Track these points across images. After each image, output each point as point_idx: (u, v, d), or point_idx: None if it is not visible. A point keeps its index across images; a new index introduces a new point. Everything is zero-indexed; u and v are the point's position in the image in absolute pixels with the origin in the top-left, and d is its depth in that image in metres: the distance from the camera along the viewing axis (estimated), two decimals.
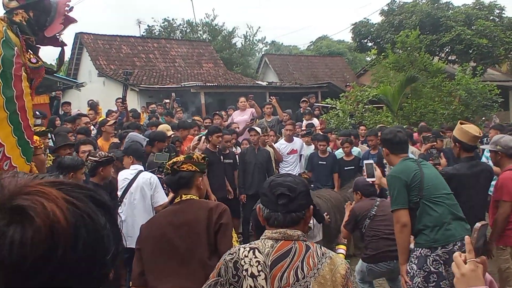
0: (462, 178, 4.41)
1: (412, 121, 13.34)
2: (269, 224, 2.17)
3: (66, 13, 3.61)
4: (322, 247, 2.18)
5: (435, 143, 5.64)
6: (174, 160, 3.16)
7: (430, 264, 3.63)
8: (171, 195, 5.42)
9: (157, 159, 5.92)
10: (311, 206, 2.24)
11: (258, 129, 8.05)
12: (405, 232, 3.66)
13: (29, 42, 3.33)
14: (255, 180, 7.54)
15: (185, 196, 3.04)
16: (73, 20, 3.68)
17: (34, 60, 3.30)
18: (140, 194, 5.23)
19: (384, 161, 5.36)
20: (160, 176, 5.69)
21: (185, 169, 3.05)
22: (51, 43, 3.65)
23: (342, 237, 5.29)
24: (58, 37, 3.63)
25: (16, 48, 3.13)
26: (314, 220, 5.41)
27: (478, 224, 1.36)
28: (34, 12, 3.41)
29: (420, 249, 3.70)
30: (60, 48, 3.86)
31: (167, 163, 3.13)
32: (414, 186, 3.68)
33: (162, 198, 5.29)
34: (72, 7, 3.65)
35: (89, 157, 4.92)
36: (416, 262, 3.69)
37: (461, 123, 4.66)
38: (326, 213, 5.83)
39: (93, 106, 10.79)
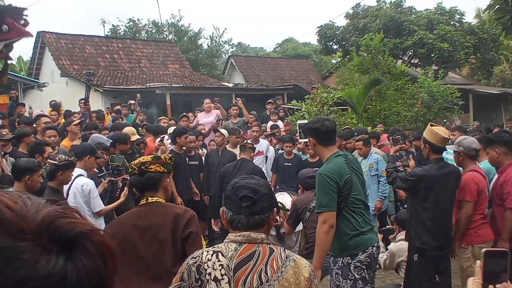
0: (431, 179, 4.46)
1: (376, 122, 13.52)
2: (233, 227, 2.14)
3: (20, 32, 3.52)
4: (286, 250, 2.16)
5: (404, 145, 5.72)
6: (142, 160, 3.02)
7: (354, 272, 3.61)
8: (119, 201, 5.39)
9: (111, 161, 5.82)
10: (275, 209, 2.23)
11: (224, 131, 8.03)
12: (331, 233, 3.52)
13: None
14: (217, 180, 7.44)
15: (151, 198, 2.95)
16: (25, 33, 3.59)
17: None
18: (74, 200, 5.06)
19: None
20: (114, 178, 5.63)
21: (153, 169, 2.95)
22: None
23: (286, 232, 5.21)
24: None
25: None
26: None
27: (484, 250, 1.38)
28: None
29: (341, 258, 3.66)
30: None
31: (133, 163, 2.99)
32: (343, 192, 3.58)
33: (98, 205, 5.15)
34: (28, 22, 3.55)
35: (48, 160, 4.75)
36: (341, 272, 3.65)
37: (431, 125, 4.72)
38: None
39: (56, 107, 10.55)
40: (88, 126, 8.07)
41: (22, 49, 32.03)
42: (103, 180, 5.76)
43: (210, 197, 7.59)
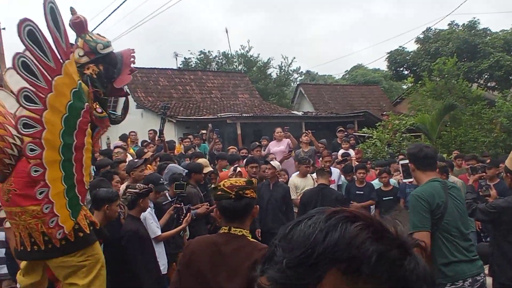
0: None
1: (451, 149, 13.04)
2: None
3: (131, 64, 3.80)
4: None
5: (484, 173, 5.47)
6: (235, 183, 2.73)
7: None
8: (180, 227, 5.56)
9: (176, 189, 5.99)
10: None
11: (275, 163, 7.88)
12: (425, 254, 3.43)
13: (97, 94, 3.50)
14: (269, 216, 7.29)
15: (235, 230, 2.66)
16: (134, 70, 3.88)
17: (99, 110, 3.46)
18: None
19: None
20: (179, 205, 5.78)
21: (248, 195, 2.68)
22: (117, 93, 3.85)
23: None
24: (123, 87, 3.81)
25: (86, 103, 3.28)
26: None
27: None
28: (104, 66, 3.60)
29: None
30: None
31: (226, 187, 2.69)
32: (435, 216, 3.52)
33: (154, 231, 5.32)
34: (135, 58, 3.84)
35: (129, 190, 4.96)
36: None
37: None
38: None
39: (124, 138, 11.09)
40: (162, 158, 8.35)
41: None
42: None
43: (261, 231, 7.30)
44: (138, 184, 5.18)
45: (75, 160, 3.26)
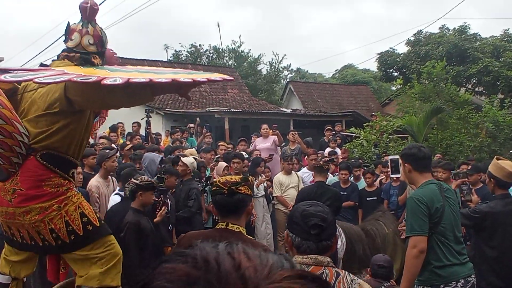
0: (498, 216, 4.26)
1: (437, 152, 13.11)
2: (300, 251, 2.22)
3: (115, 63, 3.76)
4: (350, 274, 2.23)
5: (466, 178, 5.50)
6: (230, 180, 2.80)
7: None
8: (155, 220, 5.45)
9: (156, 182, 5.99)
10: (337, 233, 2.36)
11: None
12: (421, 258, 3.45)
13: None
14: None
15: (233, 226, 2.72)
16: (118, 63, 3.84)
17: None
18: None
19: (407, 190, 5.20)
20: (156, 199, 5.69)
21: (242, 191, 2.73)
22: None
23: None
24: None
25: None
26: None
27: None
28: (102, 60, 3.57)
29: (421, 287, 3.58)
30: None
31: (220, 182, 2.77)
32: (433, 220, 3.52)
33: None
34: (119, 59, 3.81)
35: (132, 180, 4.94)
36: None
37: (497, 159, 4.54)
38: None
39: (114, 128, 10.96)
40: (148, 149, 8.34)
41: None
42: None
43: None
44: (142, 176, 5.14)
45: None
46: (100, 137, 9.11)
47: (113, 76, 2.66)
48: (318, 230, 2.19)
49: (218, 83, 24.07)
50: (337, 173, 8.86)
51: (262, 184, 8.02)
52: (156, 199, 5.74)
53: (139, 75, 2.78)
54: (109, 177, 6.20)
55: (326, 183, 8.63)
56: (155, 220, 5.54)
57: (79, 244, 3.35)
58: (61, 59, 3.45)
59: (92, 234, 3.39)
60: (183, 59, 33.48)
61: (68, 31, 3.51)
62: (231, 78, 3.36)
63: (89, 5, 3.42)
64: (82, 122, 3.38)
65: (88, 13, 3.44)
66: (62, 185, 3.31)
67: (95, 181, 5.99)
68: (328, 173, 8.91)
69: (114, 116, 17.31)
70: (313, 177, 7.25)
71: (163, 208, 5.64)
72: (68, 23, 3.52)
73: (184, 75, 2.88)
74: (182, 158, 7.03)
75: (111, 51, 3.84)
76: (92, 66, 3.39)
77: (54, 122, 3.24)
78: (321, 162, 7.67)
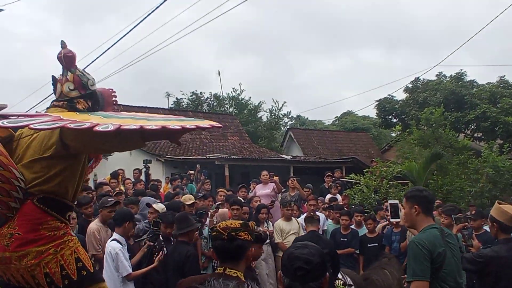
0: (502, 260, 4.20)
1: (438, 197, 13.07)
2: None
3: (114, 103, 3.83)
4: None
5: (466, 223, 5.47)
6: (230, 225, 2.81)
7: None
8: (152, 265, 5.50)
9: (153, 226, 5.98)
10: (327, 274, 2.32)
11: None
12: None
13: None
14: None
15: (230, 271, 2.71)
16: (117, 109, 3.90)
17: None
18: (106, 263, 5.32)
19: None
20: (152, 243, 5.72)
21: (242, 237, 2.75)
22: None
23: None
24: None
25: None
26: None
27: None
28: (91, 102, 3.63)
29: None
30: None
31: (220, 227, 2.79)
32: (434, 265, 3.46)
33: (125, 269, 5.29)
34: (117, 97, 3.87)
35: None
36: None
37: (499, 203, 4.52)
38: None
39: (115, 175, 10.95)
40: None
41: None
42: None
43: None
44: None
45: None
46: (102, 183, 9.10)
47: (106, 122, 2.74)
48: (303, 272, 2.22)
49: (218, 131, 24.26)
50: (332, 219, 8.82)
51: (266, 232, 7.97)
52: (152, 243, 5.71)
53: (132, 121, 2.85)
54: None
55: (326, 229, 8.65)
56: (153, 265, 5.51)
57: None
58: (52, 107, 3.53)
59: (85, 280, 3.37)
60: (184, 106, 33.84)
61: (54, 84, 3.62)
62: (220, 125, 3.43)
63: (62, 54, 3.54)
64: (77, 166, 3.41)
65: (65, 62, 3.55)
66: (59, 228, 3.31)
67: (94, 225, 6.02)
68: (328, 219, 8.91)
69: (115, 162, 17.39)
70: (305, 228, 7.20)
71: (160, 253, 5.59)
72: (53, 76, 3.63)
73: (175, 122, 2.95)
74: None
75: (109, 90, 3.90)
76: (87, 112, 3.44)
77: (50, 166, 3.26)
78: (311, 214, 7.64)
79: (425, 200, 3.69)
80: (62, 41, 3.58)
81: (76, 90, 3.56)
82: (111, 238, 5.46)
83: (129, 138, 3.02)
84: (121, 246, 5.34)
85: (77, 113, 3.30)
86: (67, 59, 3.54)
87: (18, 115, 2.86)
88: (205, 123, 3.13)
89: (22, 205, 3.25)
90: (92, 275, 3.44)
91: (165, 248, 5.77)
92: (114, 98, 3.87)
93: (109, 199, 6.34)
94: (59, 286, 3.26)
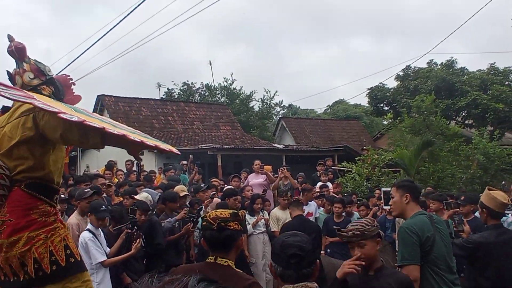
0: (491, 246, 4.26)
1: (429, 184, 13.17)
2: (284, 280, 2.34)
3: (72, 85, 3.87)
4: None
5: (457, 209, 5.52)
6: (220, 215, 2.82)
7: None
8: (129, 253, 5.56)
9: (131, 214, 6.07)
10: (317, 261, 2.41)
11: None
12: None
13: None
14: None
15: (221, 260, 2.75)
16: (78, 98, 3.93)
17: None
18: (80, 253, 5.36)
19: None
20: (130, 231, 5.75)
21: (231, 227, 2.77)
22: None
23: None
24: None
25: None
26: None
27: None
28: (53, 87, 3.67)
29: None
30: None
31: (210, 218, 2.81)
32: (424, 249, 3.55)
33: (96, 257, 5.33)
34: (73, 80, 3.91)
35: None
36: None
37: (489, 189, 4.58)
38: None
39: (110, 166, 10.93)
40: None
41: None
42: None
43: None
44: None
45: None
46: (97, 175, 9.10)
47: (73, 114, 2.78)
48: (297, 259, 2.30)
49: (210, 121, 24.28)
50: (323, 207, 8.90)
51: (262, 220, 8.01)
52: (130, 231, 5.75)
53: (97, 121, 2.90)
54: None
55: (318, 217, 8.70)
56: (130, 253, 5.57)
57: (60, 275, 3.36)
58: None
59: (73, 267, 3.42)
60: (176, 97, 33.75)
61: (12, 78, 3.63)
62: (179, 153, 3.45)
63: (13, 47, 3.55)
64: (58, 151, 3.46)
65: (17, 54, 3.57)
66: (49, 213, 3.37)
67: (74, 219, 5.99)
68: (320, 207, 8.97)
69: (107, 154, 17.36)
70: (290, 212, 7.22)
71: (137, 240, 5.65)
72: (7, 71, 3.65)
73: (138, 136, 3.00)
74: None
75: (64, 75, 3.95)
76: (62, 103, 3.47)
77: (30, 152, 3.30)
78: (296, 197, 7.70)
79: (415, 189, 3.84)
80: (8, 34, 3.61)
81: (37, 78, 3.59)
82: (86, 228, 5.52)
83: (89, 136, 3.05)
84: (91, 235, 5.39)
85: (53, 100, 3.33)
86: (19, 51, 3.55)
87: None
88: (166, 146, 3.21)
89: (10, 192, 3.30)
90: (79, 263, 3.50)
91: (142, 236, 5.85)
92: (70, 81, 3.90)
93: (86, 190, 6.31)
94: (47, 272, 3.30)
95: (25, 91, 3.12)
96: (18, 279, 3.32)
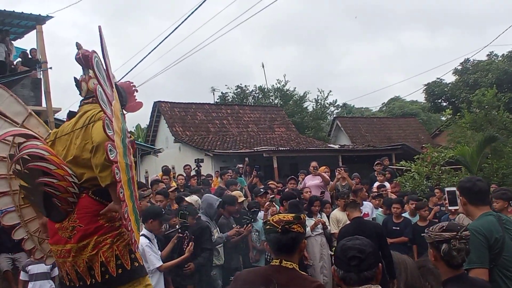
0: None
1: (493, 182, 12.68)
2: (346, 283, 2.35)
3: (134, 92, 4.02)
4: None
5: None
6: (283, 218, 2.87)
7: None
8: (183, 257, 5.70)
9: (181, 218, 6.10)
10: (380, 264, 2.38)
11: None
12: None
13: None
14: None
15: (286, 262, 2.78)
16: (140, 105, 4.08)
17: (128, 135, 3.61)
18: None
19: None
20: (181, 235, 5.89)
21: (295, 230, 2.80)
22: None
23: None
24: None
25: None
26: None
27: None
28: (117, 93, 3.80)
29: None
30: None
31: (274, 221, 2.86)
32: (493, 251, 3.37)
33: (153, 263, 5.38)
34: (136, 87, 4.06)
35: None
36: None
37: None
38: None
39: (167, 171, 11.18)
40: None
41: (140, 117, 34.58)
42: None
43: None
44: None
45: (132, 179, 3.42)
46: (156, 181, 9.35)
47: (118, 160, 3.08)
48: (357, 262, 2.31)
49: (265, 123, 24.38)
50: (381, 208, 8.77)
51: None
52: (182, 235, 5.85)
53: (126, 182, 3.20)
54: None
55: (374, 218, 8.57)
56: (184, 256, 5.70)
57: (125, 279, 3.49)
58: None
59: (137, 271, 3.56)
60: (230, 100, 34.11)
61: (78, 84, 3.82)
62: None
63: (80, 55, 3.70)
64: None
65: (85, 62, 3.70)
66: (115, 218, 3.50)
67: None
68: (378, 207, 8.83)
69: (164, 158, 17.77)
70: (347, 214, 7.01)
71: (190, 244, 5.77)
72: (75, 77, 3.83)
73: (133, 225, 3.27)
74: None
75: (127, 82, 4.11)
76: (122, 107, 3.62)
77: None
78: (353, 198, 7.58)
79: (468, 191, 3.63)
80: (77, 42, 3.77)
81: None
82: (141, 233, 5.64)
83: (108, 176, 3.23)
84: (148, 241, 5.48)
85: (120, 115, 3.41)
86: (85, 58, 3.68)
87: None
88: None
89: (79, 199, 3.47)
90: (142, 267, 3.65)
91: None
92: (133, 88, 4.04)
93: (141, 191, 6.47)
94: (113, 275, 3.43)
95: (113, 90, 3.30)
96: (84, 283, 3.47)
